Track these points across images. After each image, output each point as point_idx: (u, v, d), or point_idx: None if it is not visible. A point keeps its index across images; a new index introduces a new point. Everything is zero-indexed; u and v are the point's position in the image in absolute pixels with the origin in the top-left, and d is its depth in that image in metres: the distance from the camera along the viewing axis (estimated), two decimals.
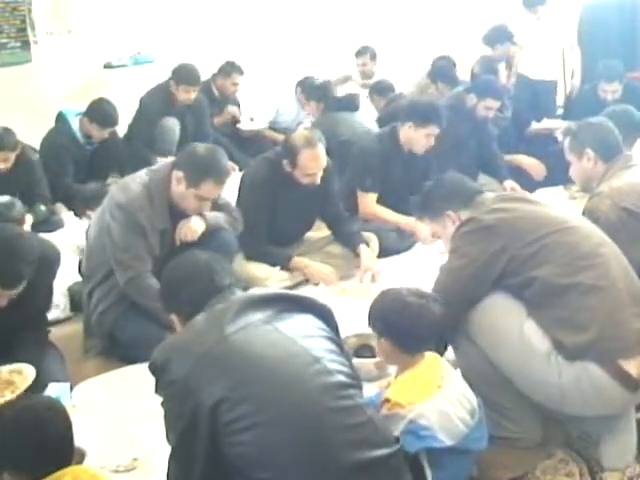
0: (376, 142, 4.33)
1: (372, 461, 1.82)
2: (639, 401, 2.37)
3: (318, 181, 3.67)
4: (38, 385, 2.61)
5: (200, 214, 3.24)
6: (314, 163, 3.62)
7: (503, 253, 2.36)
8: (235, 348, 1.86)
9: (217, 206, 3.41)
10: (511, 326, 2.34)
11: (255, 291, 2.26)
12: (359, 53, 6.78)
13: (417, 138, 4.19)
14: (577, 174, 3.16)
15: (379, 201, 4.29)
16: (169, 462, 1.94)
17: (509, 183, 4.85)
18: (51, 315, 3.53)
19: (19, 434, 1.80)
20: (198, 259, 2.19)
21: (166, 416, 1.91)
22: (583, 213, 2.86)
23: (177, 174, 3.11)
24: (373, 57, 6.73)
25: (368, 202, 4.27)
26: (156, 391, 1.92)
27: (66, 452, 1.84)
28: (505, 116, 5.38)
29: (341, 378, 1.89)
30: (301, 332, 1.95)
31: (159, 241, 3.13)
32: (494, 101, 4.89)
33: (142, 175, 3.20)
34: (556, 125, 5.50)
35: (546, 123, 5.66)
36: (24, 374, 2.61)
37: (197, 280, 2.09)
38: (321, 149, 3.63)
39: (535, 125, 5.58)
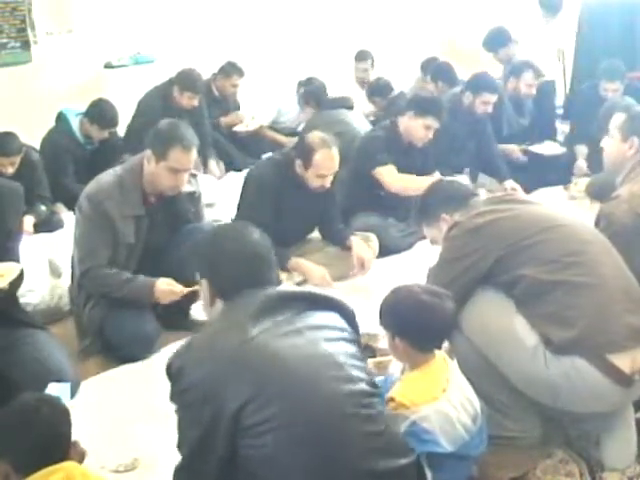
0: (378, 131, 4.40)
1: (387, 470, 1.81)
2: (635, 397, 2.37)
3: (328, 184, 3.68)
4: (41, 380, 2.62)
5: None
6: (329, 163, 3.63)
7: (489, 254, 2.39)
8: (259, 351, 1.80)
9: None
10: (501, 321, 2.36)
11: (281, 288, 2.10)
12: (361, 58, 6.63)
13: (415, 128, 4.23)
14: (610, 151, 3.17)
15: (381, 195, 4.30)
16: (178, 473, 1.89)
17: (509, 183, 4.85)
18: (49, 301, 3.56)
19: (14, 429, 1.81)
20: (257, 241, 2.04)
21: (181, 424, 1.85)
22: (598, 216, 2.86)
23: (147, 154, 3.17)
24: (373, 63, 6.66)
25: (391, 173, 4.22)
26: (171, 398, 1.86)
27: (61, 448, 1.84)
28: (520, 121, 5.45)
29: (363, 386, 1.87)
30: (325, 335, 1.90)
31: (134, 228, 3.15)
32: (490, 95, 4.90)
33: (116, 168, 3.28)
34: (552, 151, 5.46)
35: (544, 148, 5.56)
36: (8, 269, 2.69)
37: (247, 262, 1.97)
38: (335, 151, 3.65)
39: (536, 148, 5.50)
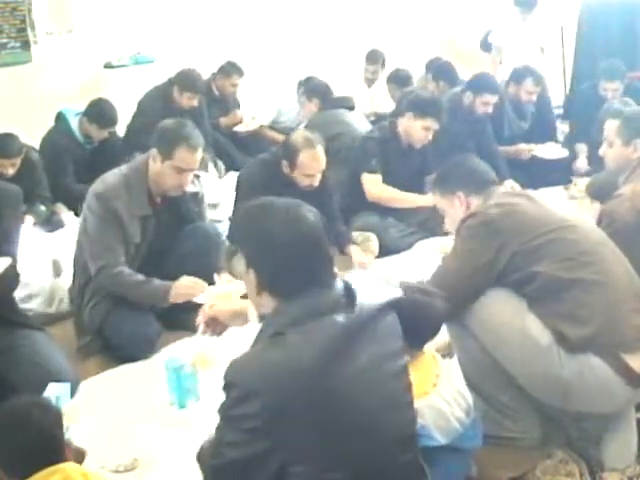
0: (375, 131, 4.41)
1: None
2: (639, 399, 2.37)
3: (317, 183, 3.66)
4: (39, 382, 2.62)
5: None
6: (314, 163, 3.62)
7: (505, 249, 2.37)
8: (339, 399, 1.61)
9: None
10: (512, 320, 2.35)
11: (362, 309, 1.73)
12: (371, 60, 6.60)
13: (415, 129, 4.23)
14: (612, 157, 3.18)
15: None
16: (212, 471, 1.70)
17: (509, 183, 4.85)
18: (49, 308, 3.56)
19: (4, 433, 1.81)
20: (314, 224, 1.75)
21: (225, 439, 1.64)
22: (600, 214, 2.86)
23: (152, 153, 3.17)
24: (383, 64, 6.64)
25: (376, 183, 4.26)
26: (224, 414, 1.65)
27: (54, 451, 1.83)
28: (521, 125, 5.43)
29: (414, 427, 1.81)
30: (392, 367, 1.75)
31: (140, 228, 3.16)
32: (490, 96, 4.92)
33: (122, 168, 3.28)
34: (557, 155, 5.44)
35: (548, 151, 5.46)
36: None
37: (305, 254, 1.69)
38: (320, 150, 3.63)
39: (540, 152, 5.43)
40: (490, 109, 4.96)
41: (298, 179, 3.64)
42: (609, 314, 2.27)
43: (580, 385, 2.25)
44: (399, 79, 6.05)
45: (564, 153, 5.41)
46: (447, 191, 2.65)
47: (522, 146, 5.36)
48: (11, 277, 2.80)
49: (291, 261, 1.69)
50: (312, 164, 3.62)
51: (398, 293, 1.88)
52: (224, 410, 1.64)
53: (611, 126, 3.20)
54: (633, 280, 2.40)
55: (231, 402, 1.61)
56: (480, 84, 4.98)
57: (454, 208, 2.61)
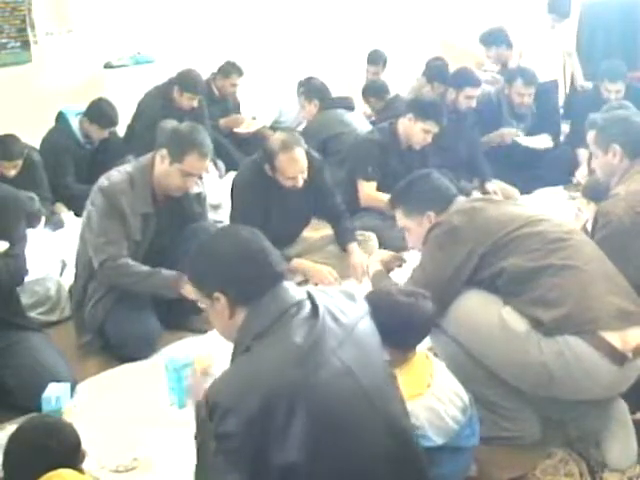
0: (375, 134, 4.40)
1: None
2: (630, 381, 2.36)
3: (300, 184, 3.61)
4: (36, 383, 2.62)
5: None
6: (292, 167, 3.57)
7: (473, 254, 2.41)
8: (313, 400, 1.65)
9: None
10: (489, 315, 2.37)
11: (330, 307, 1.84)
12: (372, 61, 6.57)
13: (415, 131, 4.24)
14: (601, 167, 3.17)
15: None
16: None
17: (492, 185, 4.84)
18: (52, 316, 3.56)
19: (22, 467, 1.85)
20: (249, 236, 1.92)
21: (216, 466, 1.66)
22: (596, 215, 2.87)
23: (161, 152, 3.17)
24: (384, 65, 6.61)
25: (369, 189, 4.27)
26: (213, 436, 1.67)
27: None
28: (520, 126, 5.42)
29: (409, 437, 1.84)
30: (378, 375, 1.81)
31: (141, 225, 3.17)
32: (472, 89, 4.95)
33: (126, 165, 3.30)
34: (542, 144, 5.40)
35: (534, 141, 5.39)
36: None
37: (252, 259, 1.84)
38: (299, 152, 3.57)
39: (524, 141, 5.37)
40: (473, 103, 4.97)
41: (281, 181, 3.61)
42: (581, 294, 2.30)
43: (562, 368, 2.26)
44: (376, 90, 6.02)
45: (549, 143, 5.38)
46: (415, 212, 2.65)
47: (504, 130, 5.26)
48: (15, 270, 2.81)
49: (248, 266, 1.84)
50: (290, 167, 3.57)
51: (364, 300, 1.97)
52: (214, 431, 1.66)
53: (590, 138, 3.19)
54: (607, 264, 2.43)
55: (215, 422, 1.65)
56: (461, 79, 5.01)
57: (422, 227, 2.62)
